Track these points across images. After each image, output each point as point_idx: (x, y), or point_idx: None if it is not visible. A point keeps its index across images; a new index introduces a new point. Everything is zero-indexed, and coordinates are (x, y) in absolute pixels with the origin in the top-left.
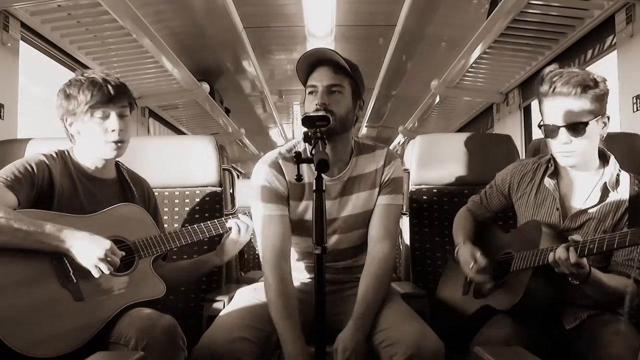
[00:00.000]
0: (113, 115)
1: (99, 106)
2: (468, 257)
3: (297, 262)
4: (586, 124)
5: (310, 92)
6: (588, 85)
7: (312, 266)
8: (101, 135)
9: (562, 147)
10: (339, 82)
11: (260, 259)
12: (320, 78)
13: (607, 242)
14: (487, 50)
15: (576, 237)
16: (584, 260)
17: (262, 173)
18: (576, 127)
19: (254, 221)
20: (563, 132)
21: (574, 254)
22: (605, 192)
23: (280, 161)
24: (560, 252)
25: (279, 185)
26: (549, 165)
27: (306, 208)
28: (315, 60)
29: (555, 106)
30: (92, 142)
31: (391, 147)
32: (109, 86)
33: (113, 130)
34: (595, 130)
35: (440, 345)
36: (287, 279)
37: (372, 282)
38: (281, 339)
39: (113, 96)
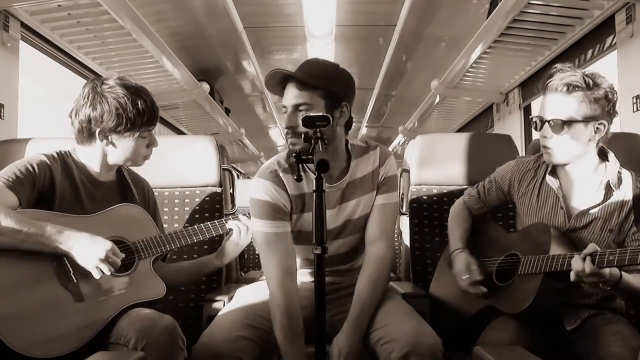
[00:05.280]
0: (153, 133)
1: (146, 128)
2: (462, 267)
3: (298, 268)
4: (567, 123)
5: (284, 112)
6: (577, 85)
7: (312, 271)
8: (142, 151)
9: (542, 142)
10: (305, 100)
11: (265, 277)
12: (287, 97)
13: (628, 256)
14: (487, 50)
15: (591, 248)
16: (606, 270)
17: (262, 188)
18: (556, 124)
19: (255, 238)
20: (546, 127)
21: (590, 266)
22: (608, 190)
23: (281, 174)
24: (575, 263)
25: (281, 199)
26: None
27: (308, 219)
28: (282, 79)
29: (544, 101)
30: (129, 155)
31: (391, 147)
32: (154, 107)
33: (150, 147)
34: (582, 133)
35: (437, 341)
36: (293, 297)
37: (368, 284)
38: (283, 355)
39: (156, 117)
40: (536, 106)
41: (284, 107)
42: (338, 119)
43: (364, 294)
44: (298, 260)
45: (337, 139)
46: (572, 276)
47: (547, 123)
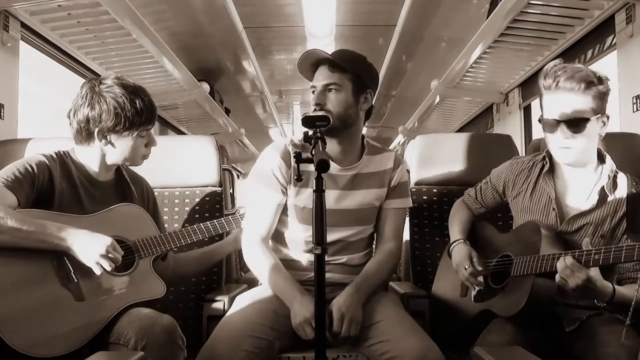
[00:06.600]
0: (151, 132)
1: (144, 127)
2: (464, 258)
3: (299, 254)
4: (587, 120)
5: (312, 92)
6: (592, 81)
7: (312, 261)
8: (140, 150)
9: (561, 143)
10: (335, 80)
11: (242, 234)
12: (318, 78)
13: (613, 254)
14: (487, 50)
15: (584, 245)
16: (592, 271)
17: (269, 158)
18: (577, 123)
19: (248, 196)
20: (563, 127)
21: (570, 260)
22: (603, 195)
23: (290, 147)
24: (559, 263)
25: (282, 174)
26: (545, 163)
27: (311, 196)
28: (315, 61)
29: (557, 100)
30: (127, 154)
31: (391, 147)
32: (152, 106)
33: (149, 147)
34: (594, 129)
35: (442, 358)
36: (267, 248)
37: (375, 264)
38: (284, 299)
39: (154, 116)
40: (536, 106)
41: (313, 87)
42: (362, 104)
43: (371, 269)
44: (300, 240)
45: (357, 124)
46: (557, 278)
47: (563, 123)
